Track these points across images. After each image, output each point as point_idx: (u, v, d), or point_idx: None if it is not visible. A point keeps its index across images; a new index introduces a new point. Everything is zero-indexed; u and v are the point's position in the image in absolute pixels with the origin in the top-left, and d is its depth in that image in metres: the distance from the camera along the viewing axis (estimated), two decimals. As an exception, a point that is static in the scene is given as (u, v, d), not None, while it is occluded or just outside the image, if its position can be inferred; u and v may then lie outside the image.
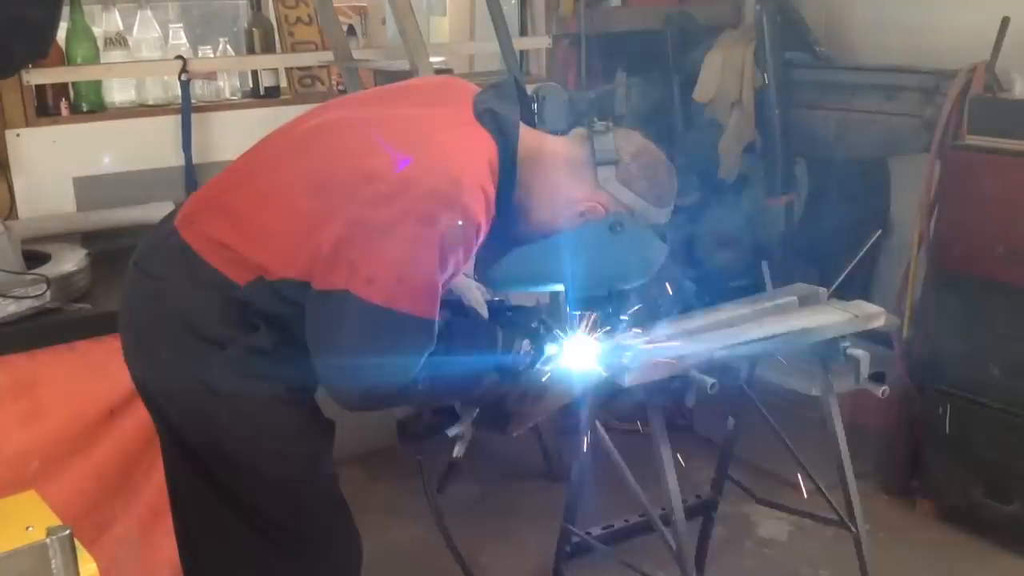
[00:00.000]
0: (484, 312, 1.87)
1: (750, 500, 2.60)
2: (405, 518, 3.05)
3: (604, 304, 1.80)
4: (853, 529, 2.30)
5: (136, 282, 1.75)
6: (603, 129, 1.73)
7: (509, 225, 1.71)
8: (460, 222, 1.56)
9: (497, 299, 1.92)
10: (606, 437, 2.15)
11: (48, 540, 1.20)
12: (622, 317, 1.87)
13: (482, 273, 1.82)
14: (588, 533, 2.42)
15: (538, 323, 1.81)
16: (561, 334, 1.82)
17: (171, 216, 1.79)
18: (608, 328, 1.86)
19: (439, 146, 1.63)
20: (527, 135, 1.73)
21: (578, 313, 1.82)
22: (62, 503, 1.41)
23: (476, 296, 1.88)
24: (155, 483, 2.37)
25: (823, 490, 2.36)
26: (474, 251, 1.65)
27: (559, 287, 1.81)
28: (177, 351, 1.68)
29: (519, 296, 1.99)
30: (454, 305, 1.82)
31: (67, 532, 1.21)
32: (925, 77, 3.07)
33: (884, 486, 3.18)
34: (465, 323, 1.80)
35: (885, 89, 3.19)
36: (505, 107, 1.71)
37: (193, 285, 1.66)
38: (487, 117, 1.69)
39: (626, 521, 2.46)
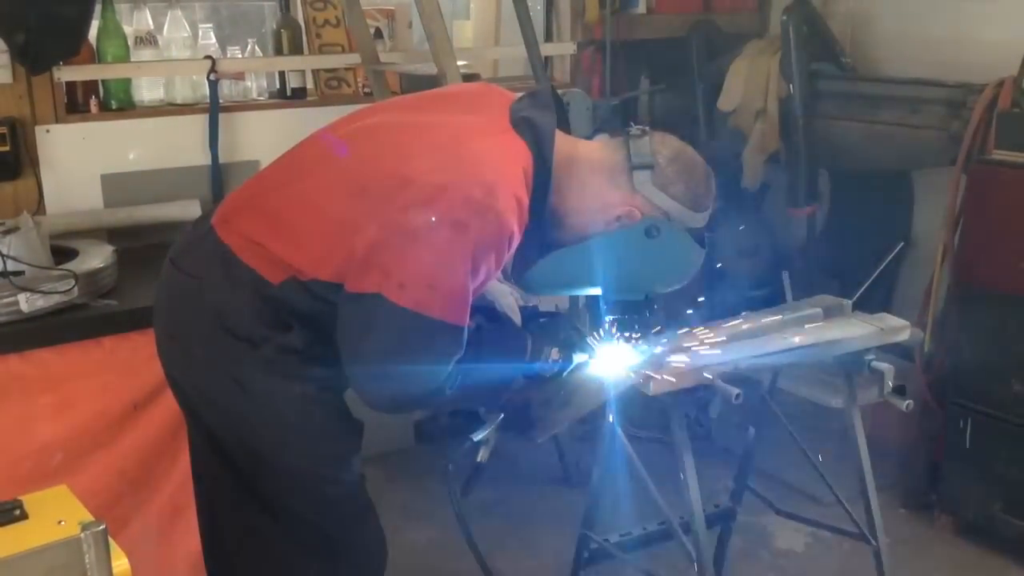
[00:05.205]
0: (517, 319, 1.87)
1: (767, 511, 2.59)
2: (422, 520, 3.05)
3: (640, 309, 1.80)
4: (873, 542, 2.28)
5: (172, 279, 1.77)
6: (639, 133, 1.74)
7: (544, 231, 1.72)
8: (493, 230, 1.57)
9: (532, 305, 1.92)
10: (628, 444, 2.15)
11: (82, 535, 1.20)
12: (654, 326, 1.87)
13: (517, 277, 1.82)
14: (606, 540, 2.42)
15: (569, 332, 1.81)
16: (592, 343, 1.82)
17: (208, 215, 1.80)
18: (640, 334, 1.86)
19: (474, 154, 1.64)
20: (562, 142, 1.73)
21: (610, 318, 1.82)
22: (84, 497, 1.42)
23: (510, 302, 1.89)
24: (176, 479, 2.38)
25: (843, 502, 2.35)
26: (506, 259, 1.65)
27: (595, 291, 1.80)
28: (211, 348, 1.69)
29: (543, 300, 1.98)
30: (487, 311, 1.83)
31: (101, 527, 1.21)
32: (952, 90, 3.07)
33: (903, 499, 3.16)
34: (495, 330, 1.80)
35: (911, 102, 3.18)
36: (541, 115, 1.71)
37: (229, 284, 1.67)
38: (523, 125, 1.69)
39: (644, 529, 2.46)
